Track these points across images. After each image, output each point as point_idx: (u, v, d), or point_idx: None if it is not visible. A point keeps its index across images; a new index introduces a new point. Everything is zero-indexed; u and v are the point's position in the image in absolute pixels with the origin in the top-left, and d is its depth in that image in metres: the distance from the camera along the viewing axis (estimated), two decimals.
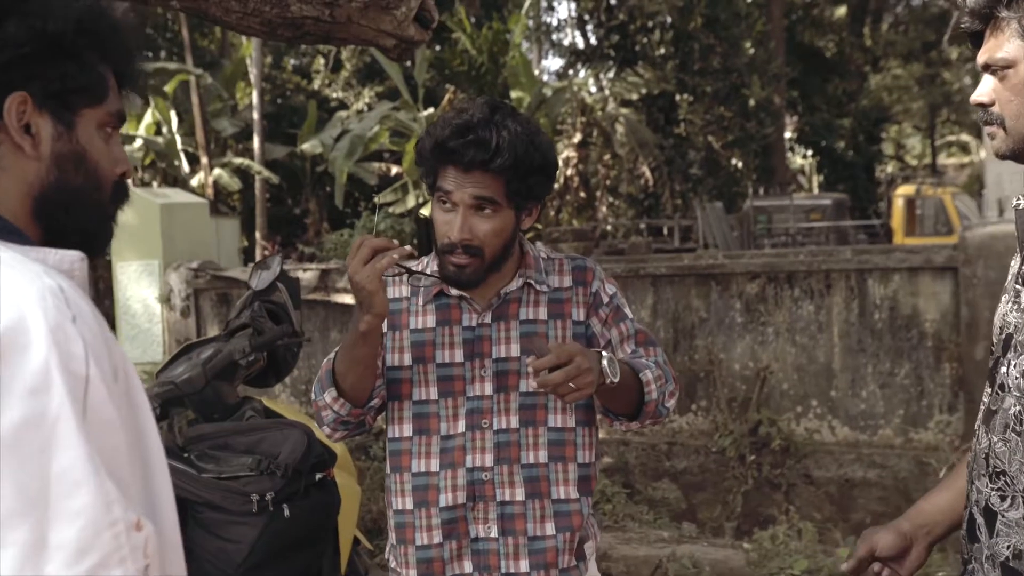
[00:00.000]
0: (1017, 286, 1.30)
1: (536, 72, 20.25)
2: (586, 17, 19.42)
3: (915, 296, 5.70)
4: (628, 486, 5.64)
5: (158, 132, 16.77)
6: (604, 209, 17.75)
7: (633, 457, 6.18)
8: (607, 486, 4.67)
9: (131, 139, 16.20)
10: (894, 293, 5.73)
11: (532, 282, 1.68)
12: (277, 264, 2.28)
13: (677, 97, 17.19)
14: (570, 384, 1.41)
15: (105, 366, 0.78)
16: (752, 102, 17.02)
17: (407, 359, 1.66)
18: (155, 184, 16.44)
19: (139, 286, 7.63)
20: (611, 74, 18.46)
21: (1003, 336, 1.31)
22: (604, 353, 1.51)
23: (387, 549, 1.74)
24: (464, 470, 1.63)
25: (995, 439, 1.27)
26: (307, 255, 12.01)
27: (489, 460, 1.63)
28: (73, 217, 0.94)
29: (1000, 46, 1.24)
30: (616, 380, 1.50)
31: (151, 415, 0.85)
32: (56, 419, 0.73)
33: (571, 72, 20.19)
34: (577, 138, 16.58)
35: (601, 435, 1.75)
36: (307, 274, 6.88)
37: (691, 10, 16.30)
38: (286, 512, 1.94)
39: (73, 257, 0.86)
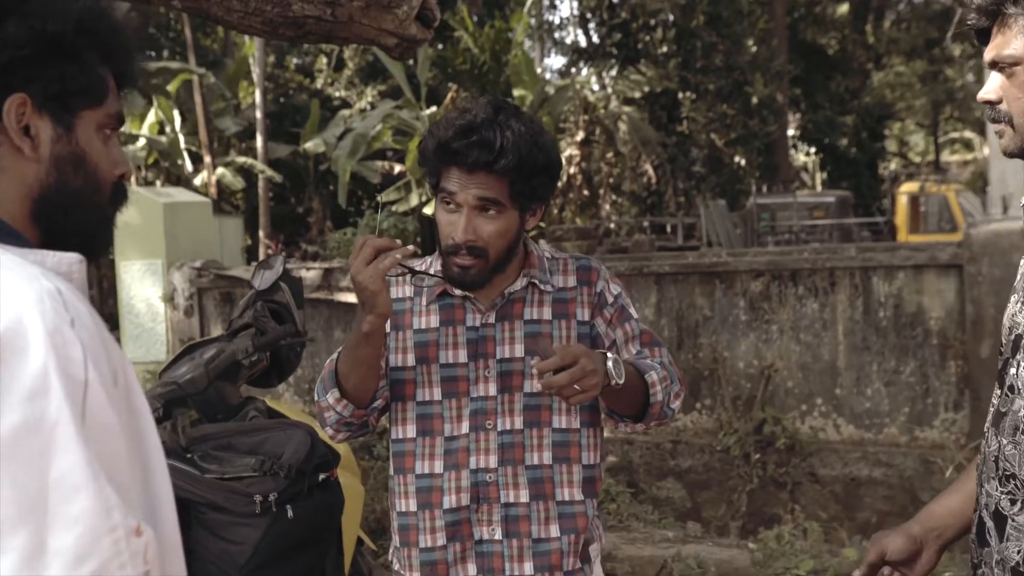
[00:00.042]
0: None
1: (538, 70, 20.25)
2: (588, 15, 19.40)
3: (920, 294, 5.68)
4: (633, 485, 5.64)
5: (161, 131, 16.79)
6: (607, 207, 17.73)
7: (637, 456, 6.17)
8: (611, 485, 4.66)
9: (134, 138, 16.23)
10: (899, 291, 5.72)
11: (536, 282, 1.67)
12: (280, 264, 2.27)
13: (680, 95, 17.17)
14: (575, 386, 1.40)
15: (104, 370, 0.77)
16: (755, 99, 17.01)
17: (410, 359, 1.65)
18: (158, 183, 16.48)
19: (142, 285, 7.64)
20: (613, 72, 18.45)
21: (1012, 337, 1.29)
22: (609, 354, 1.50)
23: (390, 551, 1.73)
24: (468, 471, 1.62)
25: (1005, 442, 1.25)
26: (310, 254, 12.00)
27: (493, 461, 1.62)
28: (72, 219, 0.93)
29: (1008, 43, 1.23)
30: (621, 382, 1.49)
31: (151, 419, 0.84)
32: (55, 424, 0.72)
33: (573, 70, 20.18)
34: (580, 136, 16.57)
35: (605, 433, 1.74)
36: (310, 273, 6.88)
37: (693, 8, 16.28)
38: (289, 513, 1.93)
39: (72, 259, 0.85)
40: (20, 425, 0.71)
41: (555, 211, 15.86)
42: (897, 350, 5.71)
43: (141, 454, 0.81)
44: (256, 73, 16.22)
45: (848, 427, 5.83)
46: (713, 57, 16.49)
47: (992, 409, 1.31)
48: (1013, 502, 1.23)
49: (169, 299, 7.50)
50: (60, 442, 0.72)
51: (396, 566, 1.69)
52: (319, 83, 21.38)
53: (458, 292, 1.65)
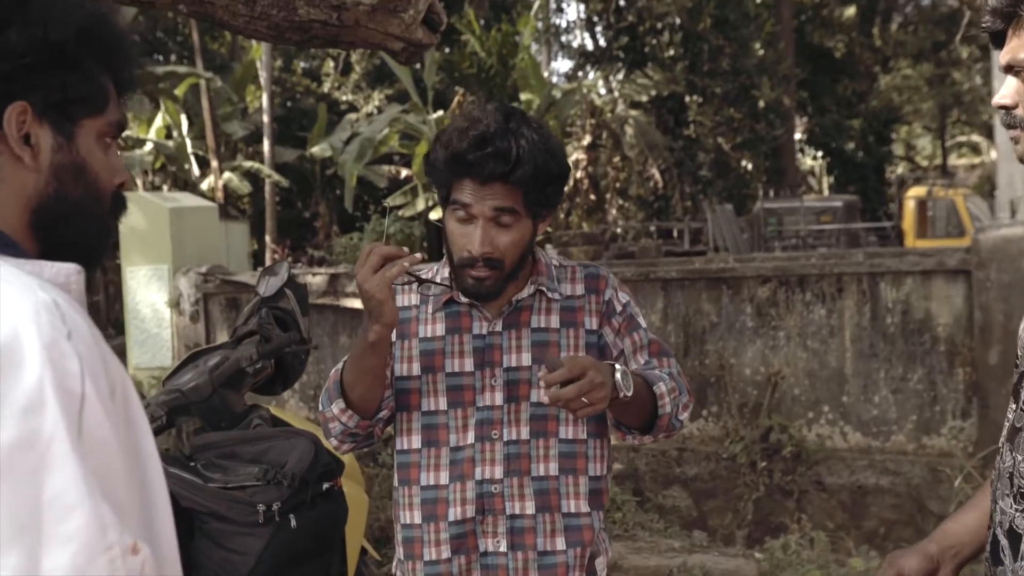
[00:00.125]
0: None
1: (545, 74, 20.27)
2: (595, 19, 19.40)
3: (928, 300, 5.65)
4: (638, 493, 5.61)
5: (168, 136, 16.84)
6: (614, 211, 17.73)
7: (643, 464, 6.14)
8: (617, 494, 4.64)
9: (141, 143, 16.28)
10: (906, 297, 5.69)
11: (544, 289, 1.65)
12: (285, 270, 2.26)
13: (686, 99, 17.16)
14: (583, 399, 1.38)
15: (102, 383, 0.76)
16: (762, 103, 16.98)
17: (416, 369, 1.63)
18: (165, 188, 16.52)
19: (148, 291, 7.64)
20: (620, 76, 18.44)
21: None
22: (617, 366, 1.48)
23: (394, 563, 1.71)
24: (473, 482, 1.60)
25: (1020, 458, 1.22)
26: (316, 259, 12.01)
27: (499, 472, 1.60)
28: (72, 229, 0.92)
29: None
30: (629, 394, 1.47)
31: (149, 433, 0.82)
32: (50, 439, 0.71)
33: (580, 74, 20.18)
34: (587, 140, 16.57)
35: (611, 440, 1.72)
36: (316, 278, 6.87)
37: (700, 11, 16.28)
38: (293, 523, 1.92)
39: (69, 270, 0.84)
40: (15, 441, 0.70)
41: (561, 216, 15.86)
42: (905, 357, 5.68)
43: (139, 469, 0.80)
44: (263, 77, 16.27)
45: (855, 435, 5.79)
46: (720, 60, 16.48)
47: (1007, 424, 1.28)
48: None
49: (175, 304, 7.50)
50: (55, 458, 0.70)
51: None
52: (326, 87, 21.42)
53: (464, 299, 1.63)
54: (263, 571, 1.88)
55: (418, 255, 1.50)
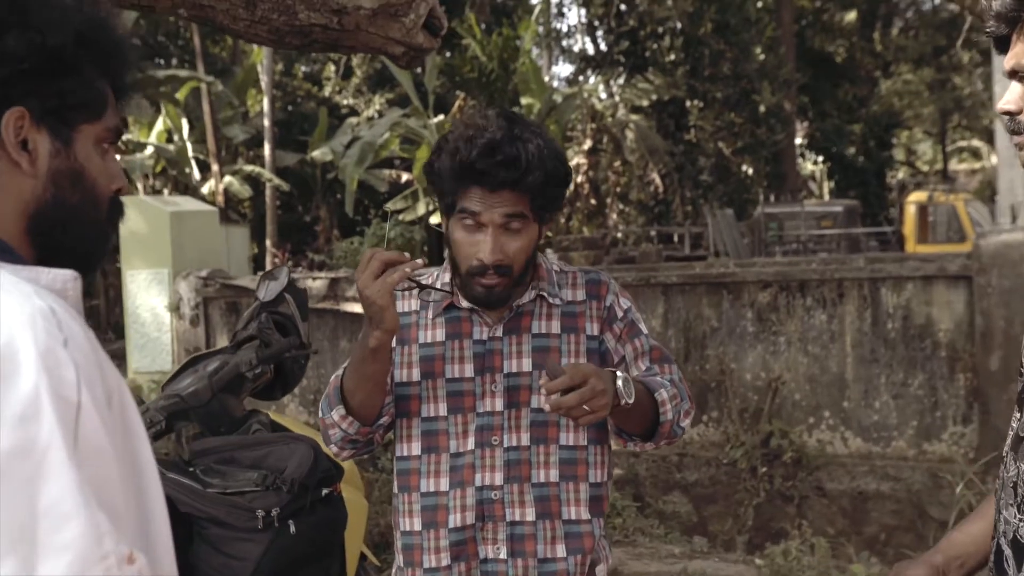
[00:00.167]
0: None
1: (546, 78, 20.27)
2: (596, 23, 19.43)
3: (929, 305, 5.64)
4: (639, 499, 5.60)
5: (169, 140, 16.84)
6: (614, 216, 17.73)
7: (643, 469, 6.13)
8: (617, 499, 4.62)
9: (142, 146, 16.29)
10: (907, 302, 5.68)
11: (545, 294, 1.64)
12: (285, 275, 2.25)
13: (687, 103, 17.18)
14: (584, 407, 1.37)
15: (98, 391, 0.75)
16: (762, 108, 17.00)
17: (416, 374, 1.63)
18: (166, 192, 16.52)
19: (148, 295, 7.64)
20: (621, 80, 18.48)
21: None
22: (619, 373, 1.47)
23: (394, 570, 1.70)
24: (473, 489, 1.59)
25: None
26: (317, 263, 12.02)
27: (499, 479, 1.59)
28: (70, 235, 0.91)
29: None
30: (631, 401, 1.46)
31: (146, 441, 0.82)
32: (46, 448, 0.70)
33: (581, 78, 20.21)
34: (587, 145, 16.59)
35: (612, 447, 1.71)
36: (317, 282, 6.87)
37: (701, 16, 16.31)
38: (292, 528, 1.91)
39: (66, 276, 0.83)
40: (10, 449, 0.69)
41: (562, 221, 15.86)
42: (905, 362, 5.67)
43: (135, 477, 0.79)
44: (264, 81, 16.28)
45: (856, 440, 5.78)
46: (721, 65, 16.50)
47: (1011, 433, 1.27)
48: None
49: (175, 308, 7.50)
50: (51, 467, 0.70)
51: None
52: (327, 91, 21.44)
53: (465, 304, 1.62)
54: None
55: (419, 261, 1.49)
